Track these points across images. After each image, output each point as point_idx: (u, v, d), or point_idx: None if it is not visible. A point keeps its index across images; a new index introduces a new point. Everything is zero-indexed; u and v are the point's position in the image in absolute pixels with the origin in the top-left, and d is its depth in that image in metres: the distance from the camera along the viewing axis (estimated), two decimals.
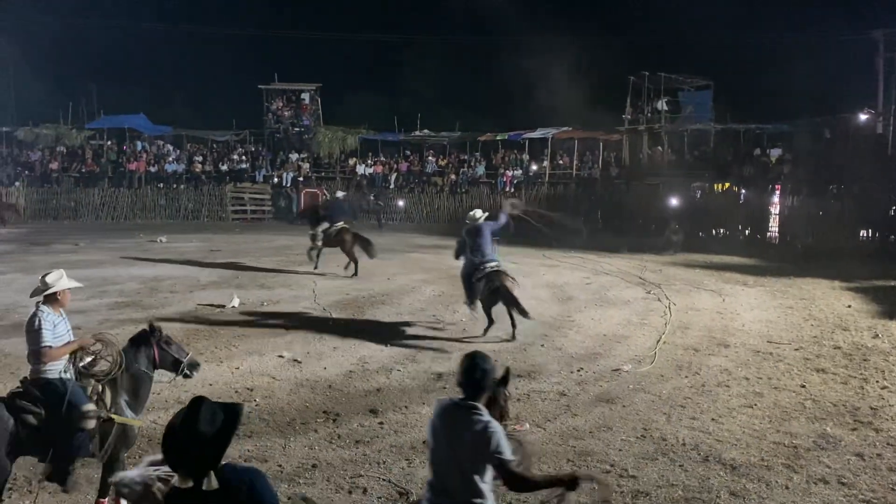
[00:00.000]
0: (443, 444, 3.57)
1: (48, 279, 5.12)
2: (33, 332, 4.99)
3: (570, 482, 3.52)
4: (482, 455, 3.38)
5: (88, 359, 5.24)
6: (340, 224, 15.63)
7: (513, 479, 3.41)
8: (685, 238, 20.46)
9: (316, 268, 15.61)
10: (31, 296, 5.22)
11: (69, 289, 5.23)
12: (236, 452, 6.11)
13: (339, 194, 18.28)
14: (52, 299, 5.13)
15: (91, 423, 4.96)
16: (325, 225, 15.61)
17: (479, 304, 10.25)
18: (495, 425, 3.47)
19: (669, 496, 5.49)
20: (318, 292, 13.27)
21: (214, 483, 2.64)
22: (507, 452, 3.40)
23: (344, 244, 15.48)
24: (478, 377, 3.64)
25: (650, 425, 6.87)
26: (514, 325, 10.07)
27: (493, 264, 10.23)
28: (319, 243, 15.67)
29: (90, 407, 4.99)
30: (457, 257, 11.10)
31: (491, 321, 10.21)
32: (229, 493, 2.67)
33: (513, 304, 9.98)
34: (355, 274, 15.26)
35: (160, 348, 5.46)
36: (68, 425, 4.90)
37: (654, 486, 5.63)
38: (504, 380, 4.17)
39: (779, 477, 5.77)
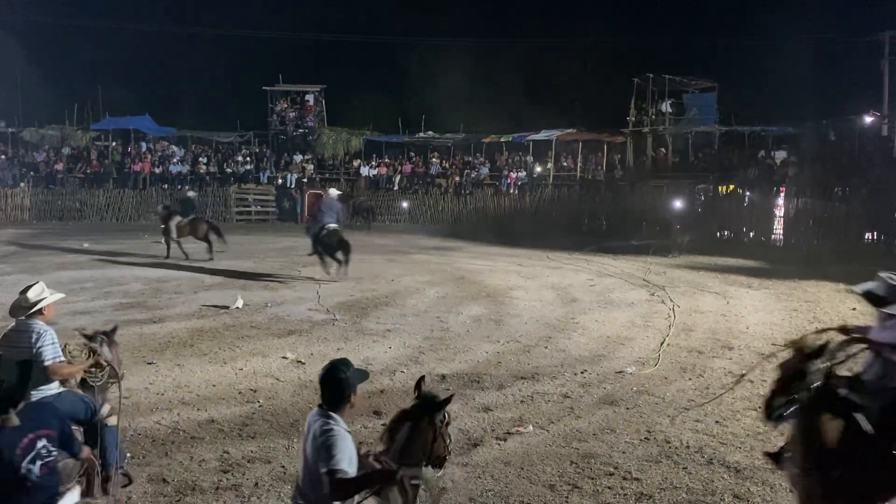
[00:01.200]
0: (302, 447, 3.69)
1: (31, 295, 4.84)
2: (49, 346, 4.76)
3: (388, 476, 3.62)
4: (321, 461, 3.42)
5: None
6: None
7: (334, 489, 3.36)
8: (691, 240, 20.40)
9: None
10: (14, 314, 4.89)
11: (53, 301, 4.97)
12: (239, 453, 6.12)
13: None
14: (36, 313, 4.87)
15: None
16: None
17: (323, 253, 14.52)
18: (337, 434, 3.45)
19: (673, 499, 5.48)
20: (322, 294, 13.28)
21: None
22: (341, 462, 3.38)
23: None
24: (334, 384, 3.63)
25: (654, 428, 6.85)
26: (346, 265, 14.61)
27: (333, 226, 14.59)
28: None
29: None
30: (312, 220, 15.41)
31: (336, 261, 14.58)
32: None
33: (348, 252, 14.57)
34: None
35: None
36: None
37: (657, 488, 5.62)
38: (437, 405, 4.27)
39: (782, 480, 5.75)
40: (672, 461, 6.11)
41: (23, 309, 4.84)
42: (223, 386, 7.94)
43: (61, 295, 5.16)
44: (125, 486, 5.26)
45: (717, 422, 7.01)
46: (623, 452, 6.29)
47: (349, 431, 3.56)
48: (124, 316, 11.22)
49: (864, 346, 4.58)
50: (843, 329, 4.75)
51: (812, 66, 29.74)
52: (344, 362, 3.73)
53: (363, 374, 3.84)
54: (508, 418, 7.07)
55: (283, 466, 5.92)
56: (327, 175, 32.56)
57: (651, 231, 22.84)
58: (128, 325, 10.63)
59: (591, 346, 9.89)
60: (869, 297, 4.68)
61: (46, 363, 4.69)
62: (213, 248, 17.71)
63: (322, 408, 3.63)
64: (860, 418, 4.11)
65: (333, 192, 16.32)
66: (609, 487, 5.64)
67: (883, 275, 4.69)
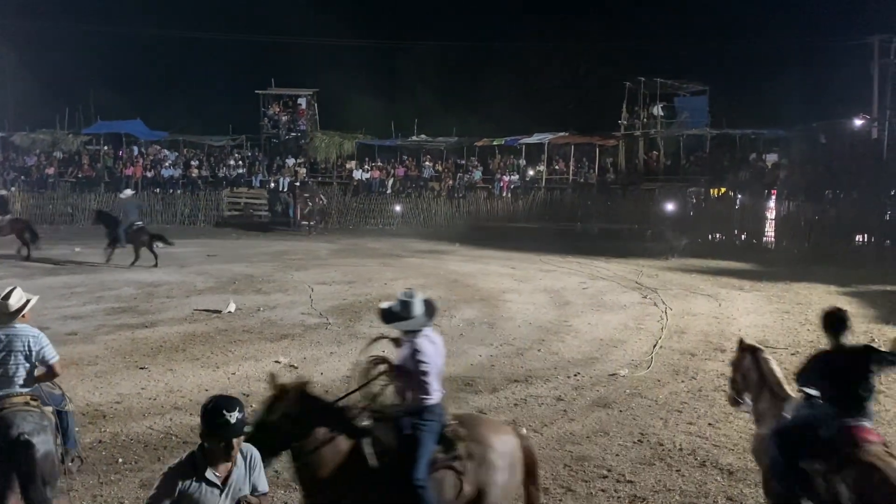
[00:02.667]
0: None
1: (12, 301, 5.00)
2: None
3: None
4: None
5: None
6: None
7: None
8: (687, 243, 20.43)
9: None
10: None
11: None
12: None
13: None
14: (16, 317, 5.04)
15: None
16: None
17: (130, 247, 16.55)
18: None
19: (667, 501, 5.49)
20: (314, 297, 13.26)
21: None
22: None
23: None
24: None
25: (647, 430, 6.86)
26: (156, 257, 16.64)
27: (139, 223, 17.03)
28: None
29: None
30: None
31: (137, 258, 16.55)
32: None
33: (152, 244, 16.64)
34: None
35: None
36: None
37: (651, 491, 5.63)
38: None
39: None
40: (665, 463, 6.12)
41: (7, 315, 5.00)
42: (216, 390, 7.89)
43: (37, 297, 5.36)
44: (79, 467, 5.55)
45: (709, 424, 7.03)
46: (616, 455, 6.30)
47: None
48: (116, 321, 11.19)
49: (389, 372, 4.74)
50: (379, 360, 4.86)
51: (802, 69, 29.90)
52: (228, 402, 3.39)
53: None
54: (502, 421, 7.06)
55: (275, 471, 5.89)
56: (320, 178, 32.53)
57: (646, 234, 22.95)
58: (120, 329, 10.60)
59: (584, 349, 9.90)
60: (384, 314, 4.73)
61: (51, 362, 5.09)
62: (28, 249, 17.34)
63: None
64: (366, 444, 4.32)
65: (128, 192, 18.38)
66: (603, 490, 5.64)
67: (401, 292, 4.72)
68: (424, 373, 4.48)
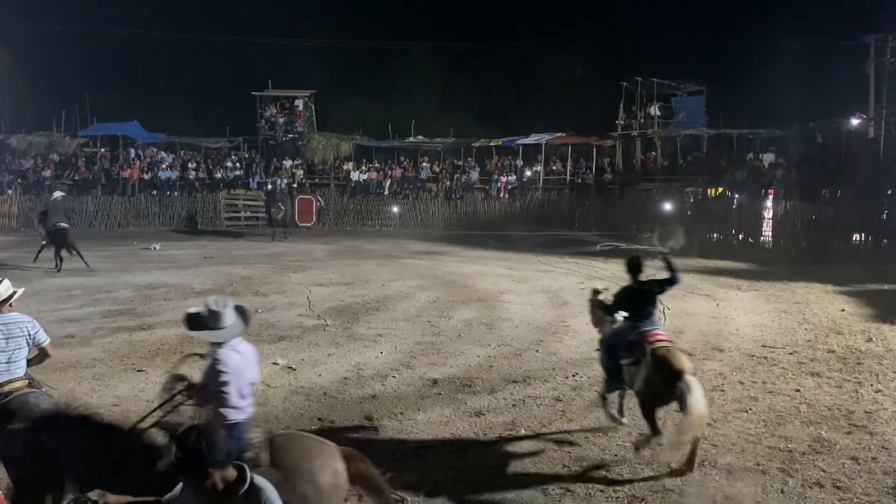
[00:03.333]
0: None
1: (1, 289, 5.32)
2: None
3: None
4: None
5: None
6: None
7: None
8: (680, 243, 20.40)
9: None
10: None
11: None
12: None
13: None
14: (2, 306, 5.34)
15: None
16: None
17: (53, 249, 16.23)
18: None
19: (666, 501, 5.49)
20: (312, 299, 13.25)
21: None
22: None
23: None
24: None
25: (645, 430, 6.84)
26: (85, 262, 16.33)
27: (63, 225, 16.44)
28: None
29: None
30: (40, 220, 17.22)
31: (61, 260, 16.23)
32: None
33: (74, 249, 16.39)
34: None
35: None
36: None
37: (649, 491, 5.63)
38: None
39: (774, 481, 5.78)
40: (664, 463, 6.11)
41: None
42: None
43: (23, 289, 5.70)
44: None
45: (708, 424, 7.02)
46: (615, 455, 6.30)
47: None
48: (113, 323, 11.17)
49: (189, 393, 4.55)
50: (178, 377, 4.72)
51: (799, 69, 29.96)
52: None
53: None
54: (500, 422, 7.06)
55: None
56: (317, 180, 32.51)
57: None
58: (117, 332, 10.58)
59: (582, 349, 9.89)
60: (189, 320, 4.57)
61: (44, 344, 5.40)
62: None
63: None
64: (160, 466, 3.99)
65: (58, 194, 18.36)
66: (601, 491, 5.64)
67: (210, 299, 4.57)
68: (224, 386, 4.19)
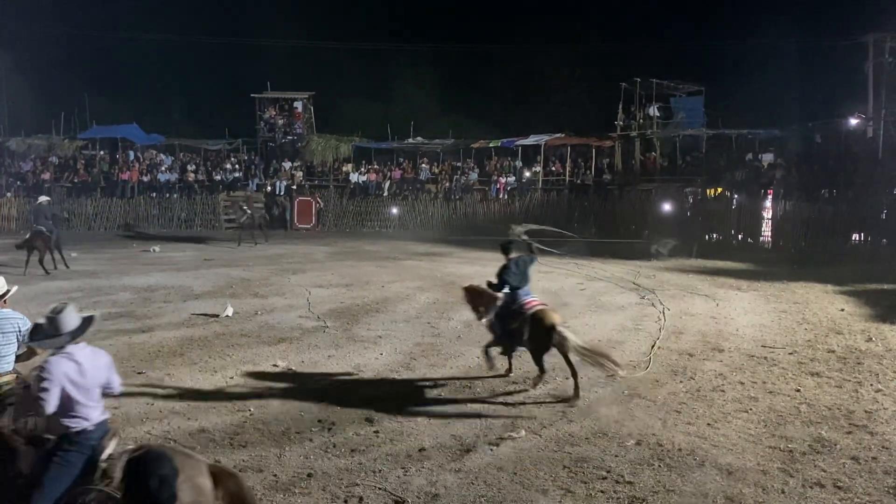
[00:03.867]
0: None
1: None
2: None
3: None
4: None
5: None
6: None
7: None
8: (675, 244, 20.40)
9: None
10: None
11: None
12: (230, 462, 6.08)
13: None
14: None
15: None
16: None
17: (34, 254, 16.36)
18: None
19: (666, 502, 5.48)
20: (312, 301, 13.25)
21: None
22: None
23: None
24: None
25: (646, 431, 6.86)
26: (63, 265, 16.93)
27: (40, 228, 16.65)
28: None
29: None
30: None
31: (27, 262, 16.32)
32: None
33: (46, 250, 16.54)
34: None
35: None
36: None
37: (650, 492, 5.62)
38: None
39: (775, 481, 5.78)
40: (664, 464, 6.12)
41: None
42: (213, 395, 7.89)
43: (16, 287, 5.87)
44: None
45: (708, 424, 7.03)
46: (615, 456, 6.30)
47: None
48: (113, 325, 11.16)
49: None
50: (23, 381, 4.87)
51: (798, 69, 30.00)
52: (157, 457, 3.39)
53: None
54: (501, 424, 7.06)
55: (274, 475, 5.89)
56: (316, 182, 32.52)
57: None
58: (117, 334, 10.58)
59: None
60: (32, 331, 4.46)
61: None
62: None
63: None
64: None
65: (43, 199, 18.39)
66: (602, 491, 5.64)
67: (50, 307, 4.50)
68: (42, 392, 4.07)
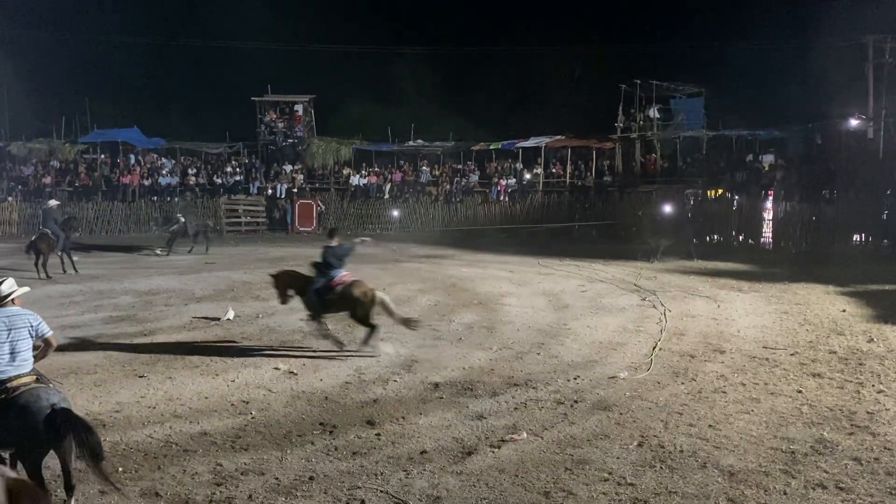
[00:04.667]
0: None
1: (3, 288, 5.57)
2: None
3: None
4: None
5: None
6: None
7: None
8: (672, 245, 20.37)
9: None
10: None
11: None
12: (232, 466, 6.09)
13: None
14: (9, 302, 5.58)
15: None
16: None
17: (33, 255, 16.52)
18: None
19: (668, 503, 5.48)
20: None
21: None
22: None
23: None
24: None
25: (647, 432, 6.86)
26: (72, 269, 17.05)
27: (44, 230, 16.83)
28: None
29: None
30: None
31: (35, 263, 16.44)
32: None
33: (49, 252, 16.60)
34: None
35: None
36: None
37: (652, 493, 5.62)
38: None
39: (777, 482, 5.77)
40: (666, 465, 6.11)
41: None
42: (215, 398, 7.90)
43: (27, 289, 5.94)
44: None
45: (710, 425, 7.02)
46: (617, 458, 6.29)
47: None
48: (115, 329, 11.17)
49: None
50: None
51: (797, 70, 29.98)
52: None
53: None
54: (502, 426, 7.06)
55: (276, 478, 5.89)
56: (317, 185, 32.56)
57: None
58: (119, 338, 10.59)
59: (584, 352, 9.90)
60: None
61: (48, 336, 5.59)
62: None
63: None
64: None
65: (53, 202, 18.62)
66: (604, 493, 5.63)
67: None
68: None
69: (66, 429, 4.87)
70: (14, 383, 5.15)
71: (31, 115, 33.17)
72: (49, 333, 5.58)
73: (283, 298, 10.28)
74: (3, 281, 5.66)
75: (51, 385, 5.31)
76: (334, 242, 10.06)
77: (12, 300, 5.57)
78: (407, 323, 9.89)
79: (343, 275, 9.88)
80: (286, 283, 10.20)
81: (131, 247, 23.64)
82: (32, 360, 5.44)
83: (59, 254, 17.15)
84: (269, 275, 10.64)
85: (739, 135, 28.11)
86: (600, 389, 8.22)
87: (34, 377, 5.29)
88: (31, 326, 5.44)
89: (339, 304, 9.72)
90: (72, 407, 5.15)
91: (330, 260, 9.89)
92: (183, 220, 22.89)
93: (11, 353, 5.28)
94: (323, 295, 9.75)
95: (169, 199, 30.76)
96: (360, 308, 9.62)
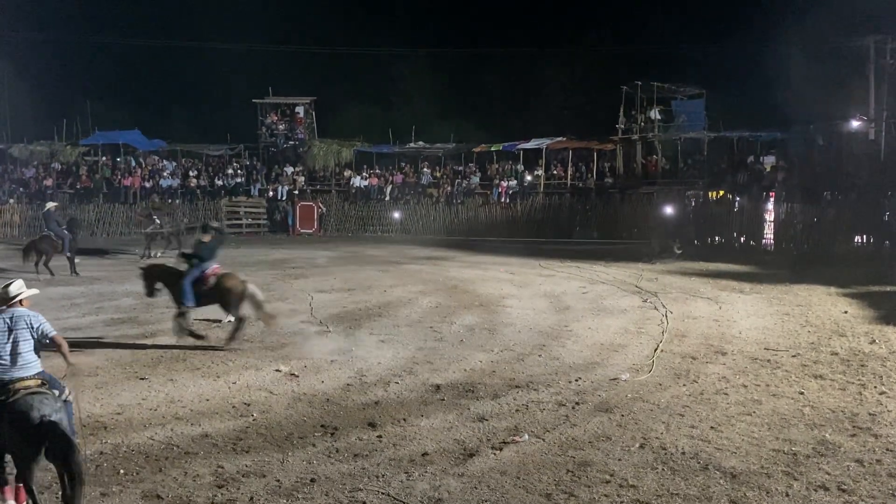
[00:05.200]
0: None
1: (12, 289, 5.65)
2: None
3: None
4: None
5: None
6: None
7: None
8: (680, 246, 20.39)
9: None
10: None
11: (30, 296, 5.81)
12: (234, 468, 6.08)
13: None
14: (10, 302, 5.63)
15: None
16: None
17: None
18: None
19: None
20: (314, 306, 13.25)
21: None
22: None
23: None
24: None
25: (649, 434, 6.85)
26: (73, 272, 17.17)
27: (45, 233, 17.15)
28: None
29: None
30: None
31: (36, 265, 16.67)
32: None
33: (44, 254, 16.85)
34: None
35: None
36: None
37: (654, 495, 5.61)
38: None
39: (779, 484, 5.76)
40: (668, 467, 6.10)
41: (5, 300, 5.57)
42: (216, 400, 7.89)
43: (36, 291, 6.07)
44: None
45: (712, 427, 7.01)
46: (619, 460, 6.28)
47: None
48: (116, 331, 11.18)
49: None
50: None
51: (799, 71, 29.94)
52: None
53: None
54: (504, 427, 7.05)
55: (278, 480, 5.88)
56: (318, 187, 32.57)
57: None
58: (120, 340, 10.59)
59: (585, 354, 9.89)
60: None
61: (52, 335, 5.57)
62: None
63: None
64: None
65: (51, 204, 18.93)
66: (605, 495, 5.63)
67: None
68: None
69: (48, 443, 4.88)
70: (16, 385, 5.13)
71: (32, 118, 33.23)
72: (53, 333, 5.58)
73: (150, 291, 10.62)
74: (11, 282, 5.70)
75: (50, 395, 5.21)
76: (207, 238, 10.75)
77: (20, 301, 5.60)
78: (268, 319, 10.52)
79: (214, 267, 10.49)
80: (156, 277, 10.58)
81: (107, 250, 23.52)
82: (38, 362, 5.42)
83: (68, 255, 17.17)
84: (139, 268, 11.04)
85: (741, 136, 28.10)
86: (602, 391, 8.21)
87: (39, 381, 5.26)
88: (32, 328, 5.43)
89: (211, 295, 10.29)
90: (62, 421, 5.04)
91: (203, 254, 10.48)
92: (158, 221, 22.67)
93: (12, 355, 5.27)
94: (197, 286, 10.27)
95: (170, 201, 30.78)
96: (231, 298, 10.24)
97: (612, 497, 5.60)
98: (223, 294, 10.25)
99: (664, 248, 20.05)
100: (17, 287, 5.65)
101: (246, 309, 10.44)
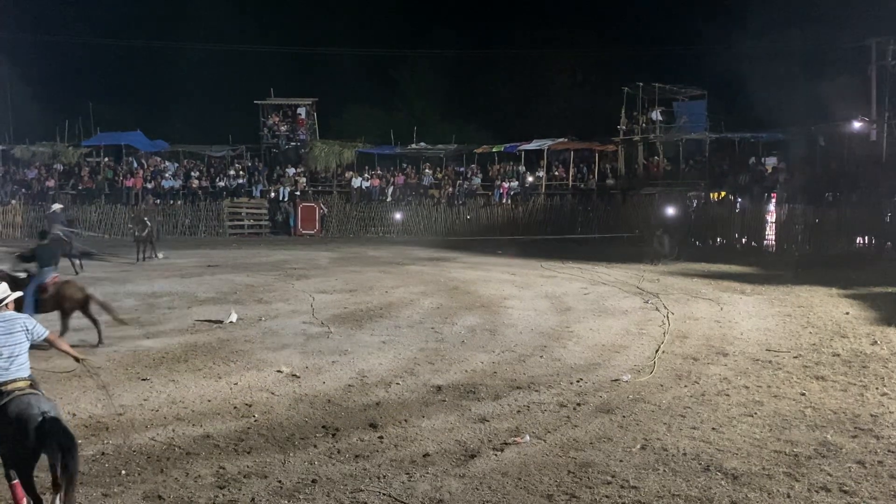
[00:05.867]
0: None
1: None
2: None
3: None
4: None
5: None
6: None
7: None
8: (676, 247, 20.34)
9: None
10: None
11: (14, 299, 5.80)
12: (235, 469, 6.09)
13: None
14: (1, 309, 5.60)
15: None
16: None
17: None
18: None
19: None
20: (315, 307, 13.26)
21: None
22: None
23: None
24: None
25: (650, 435, 6.85)
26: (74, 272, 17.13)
27: (56, 233, 17.01)
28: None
29: None
30: None
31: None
32: None
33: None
34: None
35: None
36: None
37: (655, 496, 5.61)
38: None
39: (780, 485, 5.76)
40: (669, 468, 6.10)
41: None
42: (218, 401, 7.90)
43: (21, 293, 6.16)
44: None
45: (713, 428, 7.01)
46: (620, 461, 6.28)
47: None
48: (117, 332, 11.17)
49: None
50: None
51: (800, 72, 29.96)
52: None
53: None
54: (505, 428, 7.05)
55: (279, 481, 5.89)
56: (320, 188, 32.59)
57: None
58: (121, 341, 10.60)
59: (587, 355, 9.89)
60: None
61: (46, 336, 5.59)
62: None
63: None
64: None
65: (56, 206, 19.04)
66: (607, 496, 5.62)
67: None
68: None
69: (52, 438, 4.90)
70: (9, 387, 5.15)
71: (34, 119, 33.28)
72: (46, 334, 5.59)
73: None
74: None
75: (42, 395, 5.29)
76: (45, 241, 11.28)
77: (6, 305, 5.57)
78: (119, 319, 11.02)
79: (54, 276, 10.69)
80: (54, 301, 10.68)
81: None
82: (28, 364, 5.42)
83: (77, 256, 17.24)
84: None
85: (742, 137, 28.09)
86: (603, 392, 8.21)
87: (29, 383, 5.29)
88: (28, 330, 5.44)
89: (51, 303, 10.44)
90: (61, 417, 5.14)
91: (42, 256, 10.80)
92: (150, 224, 22.04)
93: (9, 357, 5.27)
94: (36, 296, 10.34)
95: (172, 202, 30.81)
96: (72, 305, 10.50)
97: (614, 498, 5.59)
98: (63, 302, 10.45)
99: (657, 249, 19.98)
100: (2, 291, 5.61)
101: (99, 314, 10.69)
